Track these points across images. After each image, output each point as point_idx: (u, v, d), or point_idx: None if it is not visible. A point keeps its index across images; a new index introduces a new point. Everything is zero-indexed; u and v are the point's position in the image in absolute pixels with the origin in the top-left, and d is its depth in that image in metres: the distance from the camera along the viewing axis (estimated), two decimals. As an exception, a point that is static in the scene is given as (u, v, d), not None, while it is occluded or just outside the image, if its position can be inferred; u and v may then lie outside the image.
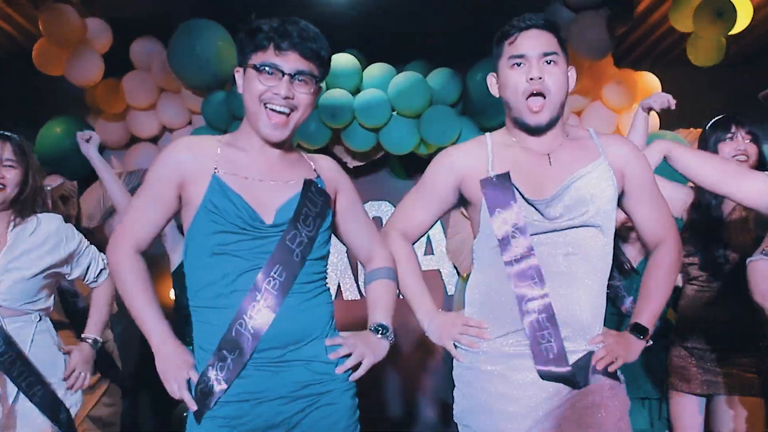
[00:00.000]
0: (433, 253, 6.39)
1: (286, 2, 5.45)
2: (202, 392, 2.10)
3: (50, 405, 2.95)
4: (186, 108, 6.01)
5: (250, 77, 2.20)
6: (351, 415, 2.29)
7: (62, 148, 5.54)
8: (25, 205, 3.03)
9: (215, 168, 2.17)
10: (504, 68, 2.33)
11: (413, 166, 6.30)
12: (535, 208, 2.25)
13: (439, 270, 6.33)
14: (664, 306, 2.44)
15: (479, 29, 5.94)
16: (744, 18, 5.31)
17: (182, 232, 2.49)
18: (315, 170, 2.34)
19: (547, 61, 2.29)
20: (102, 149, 5.93)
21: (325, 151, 5.90)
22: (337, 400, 2.24)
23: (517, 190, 2.25)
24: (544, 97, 2.28)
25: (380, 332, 2.37)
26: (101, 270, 3.19)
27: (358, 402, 2.34)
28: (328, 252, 2.35)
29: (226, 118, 5.62)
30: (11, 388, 2.87)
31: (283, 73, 2.16)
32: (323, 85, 2.38)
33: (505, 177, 2.26)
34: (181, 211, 2.24)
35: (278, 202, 2.20)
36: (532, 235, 2.25)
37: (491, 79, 2.40)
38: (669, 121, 5.74)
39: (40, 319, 2.98)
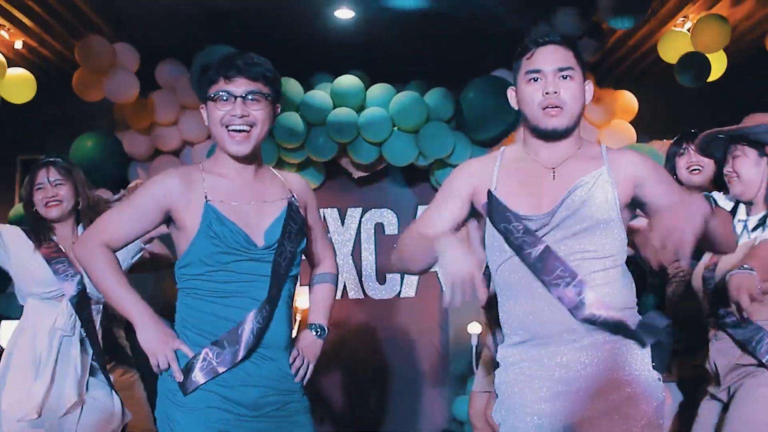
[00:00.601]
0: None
1: (295, 31, 5.80)
2: (199, 369, 2.25)
3: (109, 380, 3.28)
4: (206, 124, 6.19)
5: (210, 109, 2.37)
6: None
7: (93, 160, 5.78)
8: (86, 215, 3.32)
9: (206, 197, 2.32)
10: (522, 82, 2.29)
11: (413, 176, 6.49)
12: (526, 224, 2.20)
13: (436, 272, 6.49)
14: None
15: (470, 54, 6.24)
16: (719, 69, 5.64)
17: None
18: (289, 189, 2.48)
19: (563, 76, 2.25)
20: (128, 161, 6.25)
21: (333, 163, 6.16)
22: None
23: (507, 208, 2.22)
24: (561, 109, 2.24)
25: (317, 333, 2.53)
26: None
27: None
28: (298, 273, 2.47)
29: None
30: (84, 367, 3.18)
31: (235, 97, 2.31)
32: (280, 103, 2.53)
33: (492, 194, 2.26)
34: (174, 233, 2.41)
35: (265, 224, 2.36)
36: (539, 245, 2.21)
37: (511, 93, 2.36)
38: (645, 133, 6.08)
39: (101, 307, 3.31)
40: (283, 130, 5.83)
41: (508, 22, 5.60)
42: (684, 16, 5.58)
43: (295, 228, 2.40)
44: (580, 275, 2.12)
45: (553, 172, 2.23)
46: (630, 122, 6.28)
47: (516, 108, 2.33)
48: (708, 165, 3.50)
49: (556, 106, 2.19)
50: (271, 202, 2.40)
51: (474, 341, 5.46)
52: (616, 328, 2.14)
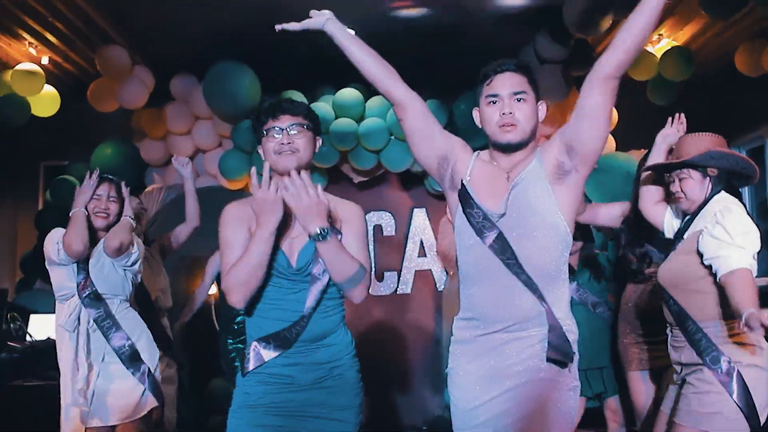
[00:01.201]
0: (425, 256, 6.64)
1: (300, 48, 5.82)
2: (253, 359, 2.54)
3: (135, 362, 3.46)
4: (217, 133, 6.34)
5: (264, 144, 2.65)
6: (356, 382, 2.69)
7: (113, 166, 5.86)
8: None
9: None
10: (483, 104, 2.47)
11: (408, 181, 6.63)
12: (488, 216, 2.39)
13: (430, 269, 6.61)
14: None
15: (462, 68, 6.38)
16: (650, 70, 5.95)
17: None
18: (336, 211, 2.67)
19: (517, 99, 2.41)
20: (145, 166, 6.46)
21: (335, 169, 6.30)
22: (345, 373, 2.65)
23: (472, 197, 2.43)
24: (515, 126, 2.40)
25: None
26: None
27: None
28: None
29: (251, 142, 5.84)
30: (105, 353, 3.41)
31: (281, 129, 2.61)
32: (322, 134, 2.84)
33: (465, 187, 2.45)
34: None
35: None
36: (494, 236, 2.38)
37: (475, 113, 2.53)
38: (624, 143, 6.17)
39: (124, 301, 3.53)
40: None
41: (498, 39, 5.72)
42: (659, 34, 5.80)
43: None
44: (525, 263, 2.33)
45: (508, 176, 2.44)
46: (610, 133, 6.33)
47: (480, 126, 2.52)
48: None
49: (511, 124, 2.39)
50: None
51: (465, 334, 5.59)
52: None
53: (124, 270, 3.59)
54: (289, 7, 5.24)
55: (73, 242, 3.35)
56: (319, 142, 2.77)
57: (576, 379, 2.37)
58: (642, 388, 3.74)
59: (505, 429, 2.33)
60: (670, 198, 3.16)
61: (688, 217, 3.00)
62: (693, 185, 2.96)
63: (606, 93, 2.30)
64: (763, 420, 2.71)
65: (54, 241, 3.44)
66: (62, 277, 3.47)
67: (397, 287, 6.68)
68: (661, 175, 3.19)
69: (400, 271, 6.71)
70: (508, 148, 2.44)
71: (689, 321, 2.85)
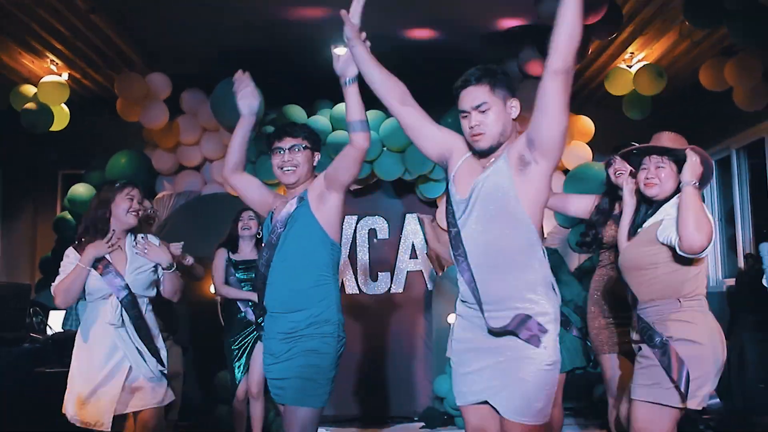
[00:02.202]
0: (417, 258, 6.72)
1: (300, 65, 6.14)
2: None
3: (159, 358, 3.55)
4: (223, 144, 6.33)
5: (273, 160, 3.15)
6: None
7: (126, 174, 5.97)
8: (137, 228, 3.67)
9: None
10: (461, 119, 2.59)
11: (400, 188, 6.72)
12: (457, 204, 2.56)
13: (421, 270, 6.68)
14: None
15: (449, 84, 6.63)
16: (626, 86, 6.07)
17: None
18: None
19: (480, 111, 2.50)
20: (155, 175, 6.55)
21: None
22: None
23: (451, 193, 2.59)
24: (483, 134, 2.50)
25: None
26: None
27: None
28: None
29: (254, 152, 6.07)
30: (137, 347, 3.50)
31: (282, 149, 3.12)
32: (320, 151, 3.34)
33: (448, 182, 2.63)
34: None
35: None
36: (461, 224, 2.54)
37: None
38: (600, 153, 6.10)
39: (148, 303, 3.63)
40: None
41: (484, 56, 5.71)
42: (631, 52, 5.97)
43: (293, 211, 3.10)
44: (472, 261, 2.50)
45: (483, 167, 2.56)
46: (587, 143, 6.46)
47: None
48: (627, 170, 3.68)
49: (479, 134, 2.52)
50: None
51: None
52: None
53: (155, 277, 3.69)
54: (290, 28, 5.50)
55: (62, 295, 3.44)
56: (318, 156, 3.19)
57: (554, 355, 2.41)
58: (615, 370, 3.79)
59: (491, 400, 2.47)
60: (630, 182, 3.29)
61: (650, 210, 3.08)
62: (668, 174, 3.01)
63: (556, 88, 2.33)
64: (705, 391, 2.83)
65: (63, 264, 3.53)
66: (96, 281, 3.50)
67: (391, 287, 6.75)
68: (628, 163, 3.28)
69: (393, 271, 6.77)
70: (483, 153, 2.57)
71: (636, 303, 3.00)
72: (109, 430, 3.43)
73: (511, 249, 2.48)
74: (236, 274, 4.92)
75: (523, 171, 2.47)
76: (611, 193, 3.88)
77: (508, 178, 2.47)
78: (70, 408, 3.43)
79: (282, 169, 3.11)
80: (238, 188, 3.28)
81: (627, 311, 3.33)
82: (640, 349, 3.01)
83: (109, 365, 3.44)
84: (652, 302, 2.96)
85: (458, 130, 2.67)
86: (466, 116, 2.57)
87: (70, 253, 3.54)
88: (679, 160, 3.00)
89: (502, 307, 2.45)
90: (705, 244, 2.77)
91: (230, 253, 4.96)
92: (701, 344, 2.85)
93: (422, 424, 6.30)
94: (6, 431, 3.86)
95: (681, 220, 2.79)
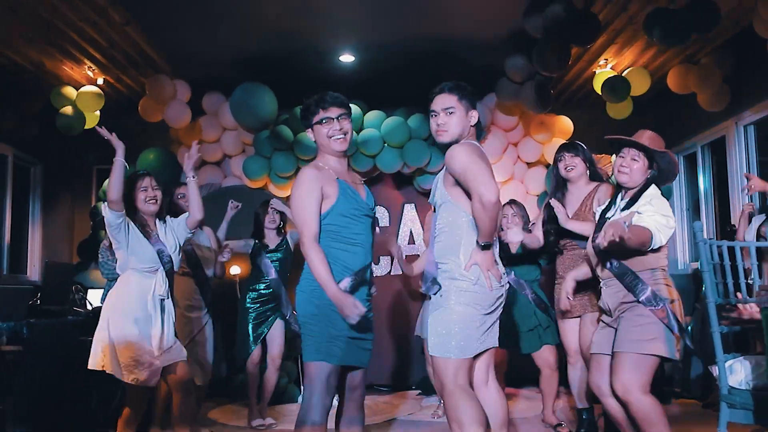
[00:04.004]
0: (414, 243, 6.86)
1: (310, 70, 6.29)
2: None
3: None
4: (241, 141, 6.59)
5: (318, 130, 2.91)
6: None
7: (154, 168, 6.00)
8: (161, 213, 3.78)
9: (336, 177, 2.88)
10: (431, 117, 2.92)
11: (400, 181, 6.87)
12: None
13: (418, 254, 6.43)
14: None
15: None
16: (643, 85, 6.11)
17: None
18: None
19: (448, 112, 2.84)
20: (180, 170, 6.53)
21: None
22: None
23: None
24: (446, 131, 2.83)
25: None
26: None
27: None
28: None
29: (269, 149, 6.26)
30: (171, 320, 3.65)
31: (332, 118, 2.89)
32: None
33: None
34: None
35: (364, 194, 2.97)
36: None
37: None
38: None
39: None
40: (301, 146, 6.18)
41: (474, 62, 6.06)
42: (605, 59, 6.16)
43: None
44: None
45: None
46: (567, 140, 6.39)
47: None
48: (579, 165, 3.97)
49: (443, 131, 2.86)
50: (359, 183, 3.03)
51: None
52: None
53: (181, 247, 3.82)
54: (301, 37, 5.68)
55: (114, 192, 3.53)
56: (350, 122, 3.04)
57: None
58: (576, 336, 3.98)
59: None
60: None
61: (627, 201, 3.20)
62: (639, 168, 3.14)
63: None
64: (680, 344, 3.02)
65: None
66: (148, 252, 3.61)
67: (391, 269, 6.87)
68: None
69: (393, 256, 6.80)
70: (444, 147, 2.89)
71: (628, 273, 3.06)
72: (154, 384, 3.62)
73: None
74: (266, 258, 5.07)
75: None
76: (560, 187, 4.02)
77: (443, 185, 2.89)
78: (126, 374, 3.52)
79: (333, 138, 2.89)
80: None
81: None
82: (613, 313, 3.13)
83: (158, 332, 3.56)
84: (646, 271, 3.06)
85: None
86: (435, 115, 2.88)
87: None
88: (651, 158, 3.16)
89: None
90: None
91: (258, 242, 5.13)
92: (674, 302, 3.00)
93: (419, 391, 6.41)
94: (53, 387, 3.99)
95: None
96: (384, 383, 6.72)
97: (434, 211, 2.97)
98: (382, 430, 4.91)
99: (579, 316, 3.91)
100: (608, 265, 3.16)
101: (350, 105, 3.05)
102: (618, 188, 3.34)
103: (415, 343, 6.70)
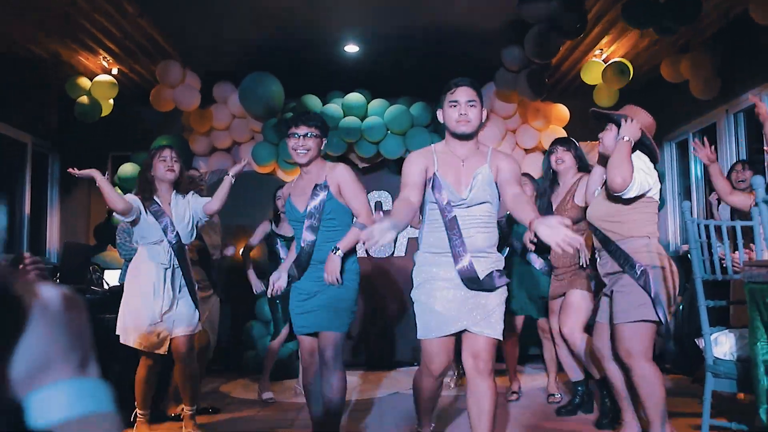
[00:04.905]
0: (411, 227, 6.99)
1: (316, 60, 6.36)
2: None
3: (193, 290, 3.82)
4: (250, 129, 6.63)
5: (288, 143, 3.35)
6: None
7: None
8: (181, 184, 3.86)
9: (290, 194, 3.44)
10: (447, 107, 2.88)
11: (402, 166, 6.93)
12: (453, 194, 2.81)
13: (416, 238, 6.95)
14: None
15: (444, 76, 6.69)
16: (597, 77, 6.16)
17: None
18: (325, 177, 3.31)
19: (470, 105, 2.84)
20: (192, 156, 6.73)
21: (343, 157, 6.50)
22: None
23: (447, 184, 2.81)
24: (469, 122, 2.82)
25: (334, 251, 3.24)
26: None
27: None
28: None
29: (276, 136, 6.26)
30: (180, 285, 3.74)
31: (298, 135, 3.32)
32: (327, 136, 3.49)
33: (439, 175, 2.84)
34: None
35: (302, 205, 3.33)
36: (453, 206, 2.82)
37: (439, 113, 2.93)
38: (575, 137, 6.45)
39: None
40: None
41: (473, 52, 6.08)
42: (600, 48, 6.18)
43: (324, 202, 3.29)
44: (465, 235, 2.80)
45: (463, 162, 2.89)
46: (563, 128, 6.64)
47: (441, 122, 2.97)
48: (568, 159, 4.12)
49: (466, 121, 2.85)
50: (307, 192, 3.33)
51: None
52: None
53: (196, 224, 3.89)
54: (307, 28, 5.71)
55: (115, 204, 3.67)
56: (325, 141, 3.41)
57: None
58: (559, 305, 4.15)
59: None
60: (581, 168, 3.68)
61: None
62: (611, 135, 3.25)
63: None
64: (671, 308, 3.10)
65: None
66: (151, 225, 3.71)
67: (394, 251, 6.92)
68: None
69: (396, 238, 6.82)
70: (463, 137, 2.87)
71: (611, 243, 3.18)
72: (164, 352, 3.72)
73: (489, 234, 2.94)
74: (279, 243, 5.19)
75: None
76: (553, 179, 4.16)
77: (493, 185, 2.87)
78: (130, 337, 3.67)
79: (296, 150, 3.33)
80: None
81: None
82: (608, 282, 3.24)
83: (159, 299, 3.68)
84: (623, 240, 3.16)
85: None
86: (456, 105, 2.86)
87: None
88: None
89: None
90: (621, 183, 3.01)
91: (275, 225, 5.24)
92: (665, 268, 3.09)
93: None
94: None
95: (607, 164, 3.06)
96: (387, 360, 6.77)
97: (461, 206, 2.88)
98: (385, 404, 4.98)
99: (562, 295, 4.08)
100: (595, 233, 3.29)
101: (325, 125, 3.41)
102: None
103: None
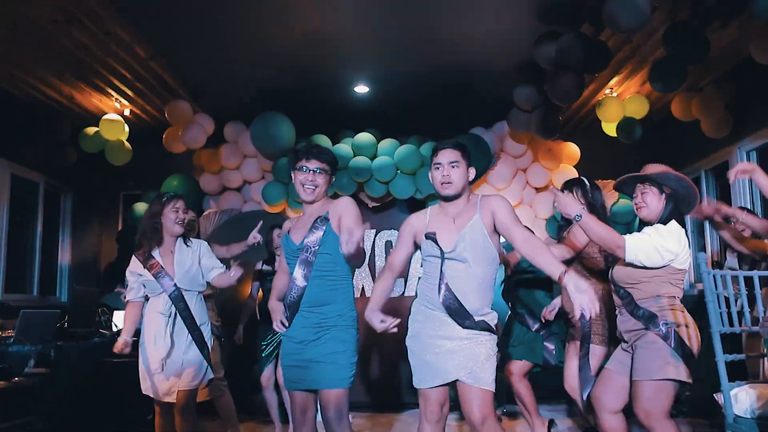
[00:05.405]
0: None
1: (327, 101, 6.36)
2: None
3: (202, 343, 3.73)
4: (261, 168, 6.61)
5: (296, 175, 3.17)
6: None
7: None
8: (185, 234, 3.85)
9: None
10: (432, 170, 3.04)
11: (413, 206, 6.65)
12: (442, 250, 2.93)
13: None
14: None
15: (453, 117, 6.74)
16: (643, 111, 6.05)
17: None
18: (328, 209, 3.14)
19: (452, 165, 2.96)
20: (202, 195, 6.74)
21: (353, 196, 6.23)
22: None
23: (436, 242, 2.94)
24: (451, 184, 2.95)
25: None
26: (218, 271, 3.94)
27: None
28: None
29: (287, 175, 6.14)
30: (185, 336, 3.69)
31: (309, 169, 3.15)
32: (336, 174, 3.35)
33: (431, 234, 2.98)
34: None
35: (298, 239, 3.14)
36: (445, 259, 2.92)
37: (430, 175, 3.08)
38: (585, 175, 6.41)
39: (198, 294, 3.80)
40: None
41: (484, 92, 6.08)
42: (610, 88, 6.13)
43: (321, 237, 3.09)
44: (454, 287, 2.88)
45: (454, 220, 2.99)
46: (574, 166, 6.61)
47: (432, 183, 3.07)
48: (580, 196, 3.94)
49: (448, 183, 2.96)
50: (307, 225, 3.15)
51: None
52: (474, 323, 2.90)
53: (200, 275, 3.85)
54: (318, 69, 5.72)
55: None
56: (333, 179, 3.26)
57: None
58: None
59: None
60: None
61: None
62: (652, 198, 3.16)
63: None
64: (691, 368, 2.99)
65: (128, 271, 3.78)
66: (151, 281, 3.71)
67: (404, 291, 6.84)
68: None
69: (406, 278, 6.84)
70: (448, 199, 3.00)
71: (633, 303, 3.11)
72: (173, 400, 3.65)
73: (477, 281, 2.98)
74: (268, 283, 5.08)
75: (494, 230, 2.98)
76: (565, 220, 4.01)
77: (484, 233, 2.93)
78: (142, 384, 3.67)
79: (304, 186, 3.15)
80: None
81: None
82: (629, 338, 3.15)
83: (161, 347, 3.63)
84: (647, 300, 3.08)
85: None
86: (439, 168, 2.99)
87: (133, 259, 3.75)
88: (663, 186, 3.16)
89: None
90: (620, 249, 3.02)
91: (267, 265, 5.17)
92: (688, 327, 2.99)
93: None
94: (81, 406, 4.02)
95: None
96: (394, 402, 6.67)
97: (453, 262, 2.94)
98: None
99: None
100: (617, 292, 3.19)
101: (336, 163, 3.24)
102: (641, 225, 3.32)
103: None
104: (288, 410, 5.08)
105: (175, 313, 3.70)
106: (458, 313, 2.89)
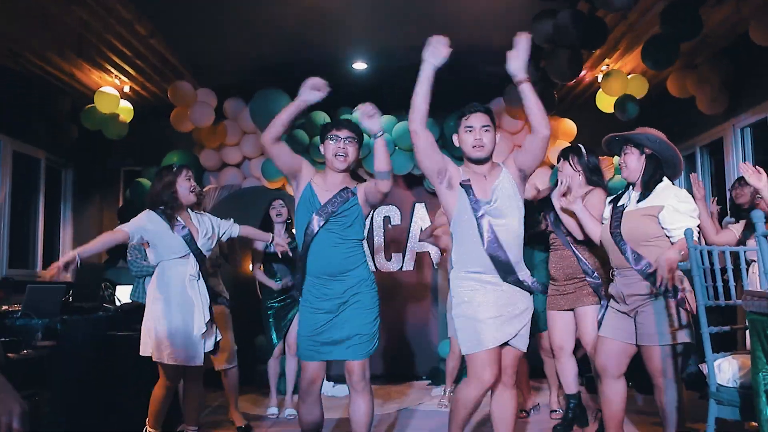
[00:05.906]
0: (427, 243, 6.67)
1: (325, 77, 5.86)
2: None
3: (208, 304, 3.77)
4: (260, 145, 6.41)
5: (327, 144, 3.25)
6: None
7: None
8: (195, 205, 3.88)
9: (311, 180, 3.25)
10: (462, 133, 3.07)
11: (410, 182, 6.94)
12: (481, 203, 2.97)
13: (428, 252, 6.85)
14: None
15: (451, 93, 6.58)
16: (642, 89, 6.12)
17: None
18: (356, 186, 3.30)
19: (484, 129, 3.02)
20: (202, 171, 6.75)
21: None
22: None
23: (471, 191, 2.98)
24: (483, 147, 3.01)
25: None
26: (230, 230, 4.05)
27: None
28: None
29: (307, 138, 6.30)
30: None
31: (340, 138, 3.24)
32: (365, 139, 3.47)
33: (466, 182, 3.01)
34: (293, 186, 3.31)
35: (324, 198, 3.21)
36: (483, 208, 2.95)
37: (455, 138, 3.11)
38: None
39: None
40: (316, 148, 5.99)
41: (481, 68, 6.12)
42: (607, 63, 6.18)
43: (346, 203, 3.22)
44: (497, 234, 2.95)
45: (485, 176, 3.06)
46: (570, 142, 6.56)
47: (457, 146, 3.15)
48: (566, 169, 4.03)
49: (481, 146, 3.03)
50: (342, 189, 3.25)
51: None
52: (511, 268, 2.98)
53: (220, 237, 3.95)
54: (317, 45, 5.74)
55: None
56: (360, 148, 3.34)
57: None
58: (560, 329, 4.11)
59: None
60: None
61: (639, 193, 3.28)
62: (632, 159, 3.26)
63: (542, 146, 3.00)
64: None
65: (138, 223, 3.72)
66: (177, 242, 3.70)
67: (402, 265, 6.93)
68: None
69: (404, 252, 6.94)
70: (478, 161, 3.06)
71: (645, 263, 3.12)
72: (201, 363, 3.71)
73: (515, 233, 3.07)
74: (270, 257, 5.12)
75: (522, 180, 3.10)
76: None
77: (514, 185, 3.05)
78: (165, 353, 3.62)
79: (336, 155, 3.21)
80: (275, 154, 3.27)
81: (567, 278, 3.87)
82: (631, 302, 3.18)
83: (200, 309, 3.68)
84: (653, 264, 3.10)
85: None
86: (471, 131, 3.04)
87: (150, 216, 3.72)
88: (643, 147, 3.25)
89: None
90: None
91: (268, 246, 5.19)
92: (690, 292, 3.09)
93: (429, 381, 6.50)
94: (84, 381, 4.10)
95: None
96: (395, 373, 6.77)
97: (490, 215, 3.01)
98: (394, 420, 4.99)
99: (571, 309, 4.01)
100: (626, 255, 3.20)
101: (362, 134, 3.28)
102: (627, 186, 3.42)
103: (424, 335, 6.80)
104: (287, 381, 5.21)
105: (200, 275, 3.76)
106: (503, 265, 2.95)
